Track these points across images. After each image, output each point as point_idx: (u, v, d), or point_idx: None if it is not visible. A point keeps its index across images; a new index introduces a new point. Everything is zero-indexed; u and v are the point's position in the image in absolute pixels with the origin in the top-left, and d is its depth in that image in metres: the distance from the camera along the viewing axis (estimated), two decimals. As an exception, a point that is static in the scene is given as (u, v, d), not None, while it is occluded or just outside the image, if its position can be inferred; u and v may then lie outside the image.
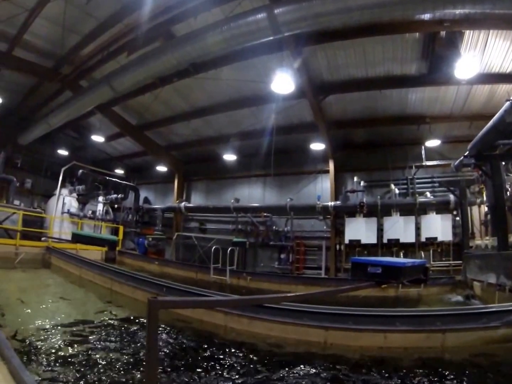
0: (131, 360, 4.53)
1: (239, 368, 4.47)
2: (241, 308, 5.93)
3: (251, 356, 4.89)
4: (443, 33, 9.06)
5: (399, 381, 4.03)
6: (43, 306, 7.43)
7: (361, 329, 4.88)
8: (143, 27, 10.34)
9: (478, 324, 4.72)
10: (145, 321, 6.40)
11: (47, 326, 5.69)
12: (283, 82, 10.29)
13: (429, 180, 14.39)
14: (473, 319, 4.84)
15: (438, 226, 13.31)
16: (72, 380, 3.74)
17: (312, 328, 5.04)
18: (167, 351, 5.01)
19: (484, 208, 11.81)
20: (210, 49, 8.29)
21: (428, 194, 13.85)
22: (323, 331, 5.02)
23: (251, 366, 4.56)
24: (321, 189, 16.58)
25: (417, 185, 14.32)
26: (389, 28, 9.15)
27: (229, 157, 17.86)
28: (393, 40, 9.82)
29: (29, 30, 11.18)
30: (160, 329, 6.18)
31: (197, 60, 9.76)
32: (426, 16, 8.05)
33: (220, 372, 4.31)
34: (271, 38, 7.65)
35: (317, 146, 15.34)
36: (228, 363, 4.62)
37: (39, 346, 4.69)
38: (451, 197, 13.03)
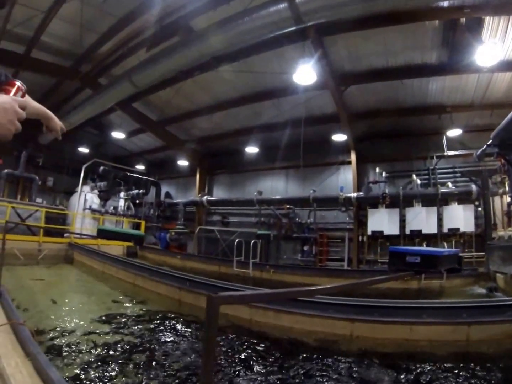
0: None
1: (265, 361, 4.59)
2: (266, 302, 6.03)
3: (275, 349, 5.00)
4: (463, 20, 8.87)
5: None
6: (67, 301, 7.63)
7: (387, 321, 4.92)
8: (162, 22, 10.44)
9: (503, 317, 4.71)
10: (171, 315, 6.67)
11: (71, 323, 5.84)
12: (305, 73, 10.23)
13: (451, 170, 14.13)
14: (498, 311, 4.83)
15: (460, 217, 13.10)
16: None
17: (338, 321, 5.11)
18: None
19: (507, 199, 11.59)
20: (233, 40, 8.29)
21: (450, 184, 13.62)
22: (349, 323, 5.08)
23: (276, 359, 4.67)
24: (344, 180, 16.48)
25: (439, 176, 14.10)
26: (409, 16, 9.00)
27: (251, 149, 17.82)
28: (413, 28, 9.63)
29: (46, 31, 11.26)
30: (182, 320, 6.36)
31: (219, 52, 9.78)
32: (446, 3, 7.96)
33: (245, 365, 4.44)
34: (293, 28, 7.62)
35: (339, 137, 15.23)
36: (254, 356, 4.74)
37: (61, 343, 4.80)
38: (473, 187, 12.80)
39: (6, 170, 18.25)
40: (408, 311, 4.97)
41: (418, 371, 4.16)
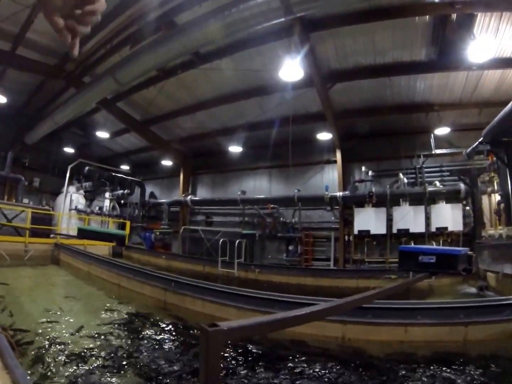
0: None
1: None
2: (254, 303, 5.83)
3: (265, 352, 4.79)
4: (454, 16, 8.79)
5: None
6: (52, 303, 7.35)
7: (381, 322, 4.74)
8: (146, 18, 10.16)
9: (501, 317, 4.57)
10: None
11: (56, 326, 5.62)
12: (291, 69, 10.11)
13: (438, 169, 14.12)
14: (496, 311, 4.69)
15: (448, 216, 13.09)
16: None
17: (329, 323, 4.90)
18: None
19: (496, 197, 11.58)
20: (219, 33, 8.01)
21: (437, 183, 13.59)
22: (341, 325, 4.88)
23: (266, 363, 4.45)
24: (329, 179, 16.37)
25: (426, 174, 14.07)
26: (399, 11, 8.95)
27: (235, 149, 17.73)
28: (403, 25, 9.54)
29: (31, 27, 10.99)
30: (164, 325, 6.09)
31: (205, 46, 9.56)
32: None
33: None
34: (282, 19, 7.40)
35: (324, 136, 15.15)
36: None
37: (46, 346, 4.62)
38: (462, 186, 12.81)
39: None
40: (403, 312, 4.79)
41: (413, 373, 3.99)
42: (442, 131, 13.47)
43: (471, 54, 8.74)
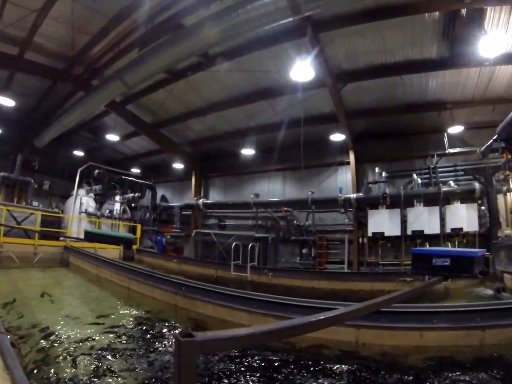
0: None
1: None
2: (266, 307, 5.73)
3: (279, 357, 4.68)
4: (463, 11, 8.62)
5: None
6: (61, 305, 7.40)
7: (395, 327, 4.60)
8: (153, 21, 10.18)
9: (520, 320, 4.40)
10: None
11: (63, 328, 5.59)
12: (302, 70, 10.05)
13: (452, 168, 13.87)
14: (513, 314, 4.52)
15: (464, 216, 12.83)
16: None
17: (343, 327, 4.77)
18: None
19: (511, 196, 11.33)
20: (226, 34, 7.92)
21: (451, 183, 13.35)
22: (354, 329, 4.75)
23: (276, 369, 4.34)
24: (342, 181, 16.26)
25: (440, 174, 13.87)
26: (408, 8, 8.82)
27: (247, 152, 17.68)
28: (412, 22, 9.40)
29: (38, 32, 11.17)
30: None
31: (213, 48, 9.49)
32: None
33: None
34: (290, 19, 7.31)
35: (337, 137, 15.02)
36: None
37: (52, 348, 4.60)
38: (476, 185, 12.53)
39: (2, 174, 18.22)
40: (418, 316, 4.63)
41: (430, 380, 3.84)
42: (455, 129, 13.26)
43: (482, 50, 8.56)
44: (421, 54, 10.69)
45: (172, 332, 5.93)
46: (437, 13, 9.06)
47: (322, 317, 1.29)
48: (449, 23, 9.30)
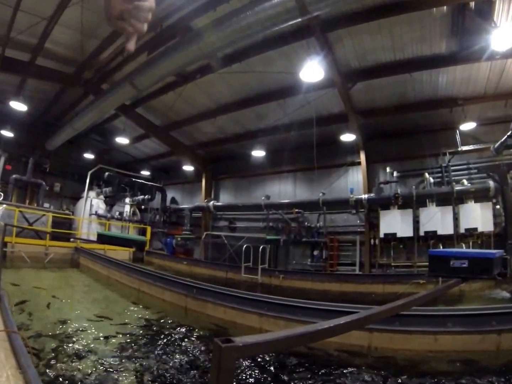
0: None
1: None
2: (277, 309, 5.67)
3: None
4: (472, 4, 8.44)
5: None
6: (71, 306, 7.50)
7: (409, 330, 4.50)
8: (162, 24, 10.19)
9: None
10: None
11: (71, 328, 5.66)
12: (311, 70, 9.95)
13: (465, 166, 13.54)
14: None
15: (478, 216, 12.47)
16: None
17: (355, 331, 4.68)
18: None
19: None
20: (235, 36, 7.88)
21: (465, 181, 13.03)
22: (367, 333, 4.66)
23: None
24: (353, 181, 16.07)
25: (453, 173, 13.55)
26: (415, 4, 8.65)
27: (257, 153, 17.55)
28: (420, 18, 9.22)
29: (49, 38, 11.29)
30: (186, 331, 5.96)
31: (222, 49, 9.44)
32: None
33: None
34: (299, 20, 7.24)
35: (347, 137, 14.80)
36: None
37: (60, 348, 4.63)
38: (491, 183, 12.21)
39: (14, 176, 18.63)
40: (432, 320, 4.53)
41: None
42: (468, 126, 12.91)
43: (493, 43, 8.34)
44: (430, 50, 10.49)
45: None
46: (445, 7, 8.87)
47: (349, 320, 1.25)
48: (458, 17, 9.09)
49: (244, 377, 4.16)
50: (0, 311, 4.17)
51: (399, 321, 4.53)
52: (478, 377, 3.92)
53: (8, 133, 17.46)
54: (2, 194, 18.33)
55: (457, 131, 13.44)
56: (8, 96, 14.75)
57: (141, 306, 7.91)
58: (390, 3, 8.82)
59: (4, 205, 14.05)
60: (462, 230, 12.73)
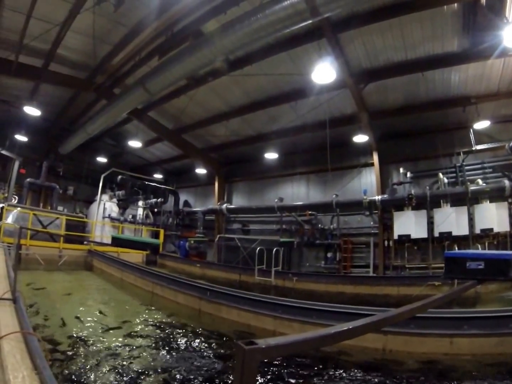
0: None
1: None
2: (291, 312, 5.67)
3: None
4: (483, 0, 8.28)
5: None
6: (86, 308, 7.57)
7: (425, 333, 4.45)
8: (172, 30, 10.29)
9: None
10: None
11: (85, 331, 5.70)
12: (323, 71, 9.95)
13: (480, 166, 13.32)
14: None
15: (494, 216, 12.23)
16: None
17: (370, 333, 4.64)
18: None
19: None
20: (246, 39, 7.90)
21: (479, 181, 12.80)
22: (381, 336, 4.63)
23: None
24: (367, 183, 15.93)
25: (467, 173, 13.33)
26: (425, 2, 8.59)
27: (270, 155, 17.56)
28: (431, 16, 9.13)
29: (61, 44, 11.49)
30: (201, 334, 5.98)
31: (234, 53, 9.49)
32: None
33: None
34: (310, 21, 7.23)
35: (360, 138, 14.69)
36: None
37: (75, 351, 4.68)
38: (506, 182, 11.97)
39: (28, 179, 18.95)
40: (448, 322, 4.48)
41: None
42: (482, 125, 12.66)
43: (505, 39, 8.19)
44: (442, 48, 10.37)
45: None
46: (456, 4, 8.78)
47: (367, 322, 1.26)
48: (469, 14, 8.97)
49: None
50: (16, 313, 4.17)
51: (414, 323, 4.49)
52: (499, 379, 3.86)
53: (22, 138, 17.80)
54: (16, 197, 18.74)
55: (471, 130, 13.22)
56: (22, 101, 15.05)
57: (153, 308, 7.98)
58: (401, 2, 8.77)
59: (19, 208, 14.34)
60: (477, 231, 12.49)
